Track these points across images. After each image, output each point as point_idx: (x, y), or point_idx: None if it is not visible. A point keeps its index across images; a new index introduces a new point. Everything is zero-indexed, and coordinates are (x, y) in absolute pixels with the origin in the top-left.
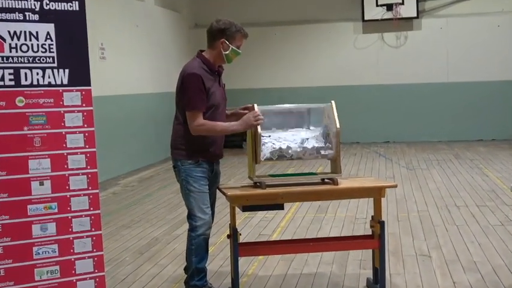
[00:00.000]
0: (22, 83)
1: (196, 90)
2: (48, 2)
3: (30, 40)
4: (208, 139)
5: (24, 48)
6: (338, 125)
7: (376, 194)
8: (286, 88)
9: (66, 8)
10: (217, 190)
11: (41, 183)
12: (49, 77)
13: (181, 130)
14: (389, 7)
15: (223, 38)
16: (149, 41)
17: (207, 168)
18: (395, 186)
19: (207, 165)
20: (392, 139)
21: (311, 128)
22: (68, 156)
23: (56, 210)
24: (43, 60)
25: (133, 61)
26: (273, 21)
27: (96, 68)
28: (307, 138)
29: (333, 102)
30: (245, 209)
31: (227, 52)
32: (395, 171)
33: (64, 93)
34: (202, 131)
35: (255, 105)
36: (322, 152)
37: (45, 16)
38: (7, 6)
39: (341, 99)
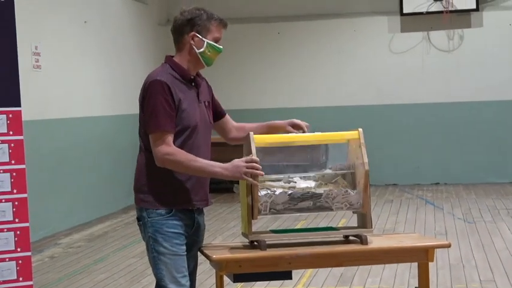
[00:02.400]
0: None
1: (160, 103)
2: None
3: None
4: (185, 175)
5: None
6: (366, 165)
7: (421, 257)
8: (293, 109)
9: None
10: (198, 252)
11: None
12: None
13: (144, 164)
14: None
15: (192, 31)
16: (103, 44)
17: (185, 221)
18: (449, 246)
19: (184, 215)
20: (444, 180)
21: (329, 168)
22: None
23: None
24: None
25: (81, 71)
26: (275, 16)
27: (29, 81)
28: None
29: (360, 130)
30: (237, 278)
31: (202, 49)
32: (449, 224)
33: None
34: (169, 162)
35: (252, 140)
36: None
37: None
38: None
39: (371, 124)
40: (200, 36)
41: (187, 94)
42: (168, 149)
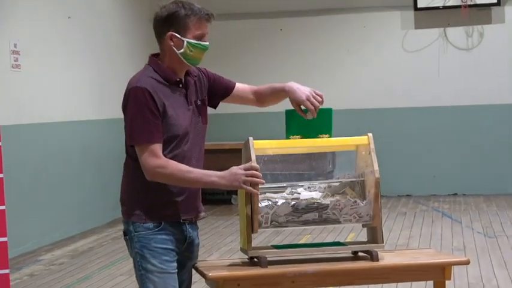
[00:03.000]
0: None
1: (142, 113)
2: None
3: None
4: (174, 186)
5: None
6: (377, 172)
7: (437, 275)
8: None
9: None
10: (193, 269)
11: None
12: None
13: (130, 174)
14: None
15: (170, 31)
16: (88, 41)
17: (175, 236)
18: (468, 262)
19: (174, 229)
20: (463, 190)
21: (335, 180)
22: None
23: None
24: None
25: (65, 71)
26: (277, 11)
27: (6, 82)
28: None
29: (369, 135)
30: None
31: (182, 50)
32: (467, 239)
33: None
34: (160, 176)
35: (251, 146)
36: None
37: None
38: None
39: (382, 129)
40: (179, 36)
41: (173, 99)
42: (158, 161)
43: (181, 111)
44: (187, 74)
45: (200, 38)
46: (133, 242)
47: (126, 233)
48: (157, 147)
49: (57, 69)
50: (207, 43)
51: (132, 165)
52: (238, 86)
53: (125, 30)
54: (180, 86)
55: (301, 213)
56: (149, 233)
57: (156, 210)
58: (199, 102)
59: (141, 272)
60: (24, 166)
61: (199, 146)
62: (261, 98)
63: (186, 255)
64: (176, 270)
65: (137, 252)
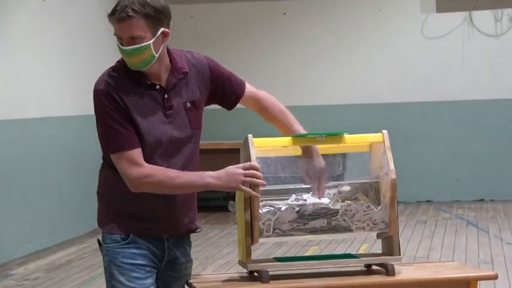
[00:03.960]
0: None
1: (105, 120)
2: None
3: None
4: (146, 193)
5: None
6: (393, 172)
7: None
8: (305, 108)
9: None
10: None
11: None
12: None
13: (104, 177)
14: None
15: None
16: (66, 27)
17: (150, 250)
18: (496, 277)
19: (148, 243)
20: (490, 196)
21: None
22: None
23: None
24: None
25: (40, 61)
26: None
27: None
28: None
29: (384, 132)
30: None
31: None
32: (495, 251)
33: None
34: (147, 186)
35: (251, 144)
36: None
37: None
38: None
39: (399, 126)
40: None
41: (141, 102)
42: (141, 170)
43: (153, 116)
44: (172, 72)
45: (119, 40)
46: (103, 254)
47: (99, 242)
48: (135, 154)
49: (31, 59)
50: (122, 47)
51: (106, 167)
52: (246, 94)
53: (104, 19)
54: (157, 87)
55: (308, 219)
56: (116, 246)
57: (125, 221)
58: (188, 104)
59: None
60: None
61: (184, 156)
62: (267, 118)
63: (169, 275)
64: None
65: (106, 267)
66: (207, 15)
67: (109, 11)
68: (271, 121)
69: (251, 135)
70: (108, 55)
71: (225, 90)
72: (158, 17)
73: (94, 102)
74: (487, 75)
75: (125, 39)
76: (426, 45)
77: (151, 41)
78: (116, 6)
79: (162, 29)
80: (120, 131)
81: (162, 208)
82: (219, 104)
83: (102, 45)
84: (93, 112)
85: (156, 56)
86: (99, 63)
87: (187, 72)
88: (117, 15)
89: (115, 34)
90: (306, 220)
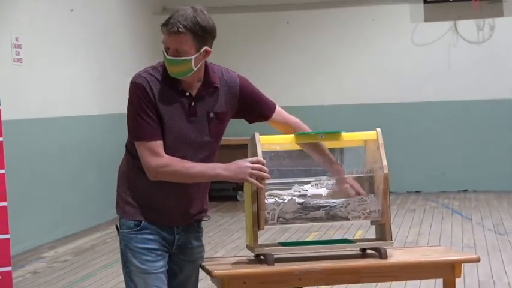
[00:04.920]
0: None
1: (137, 111)
2: None
3: None
4: (159, 184)
5: None
6: (386, 167)
7: (447, 273)
8: (303, 107)
9: None
10: (198, 273)
11: None
12: None
13: (124, 166)
14: None
15: None
16: (91, 34)
17: (161, 236)
18: (478, 260)
19: (160, 230)
20: (473, 187)
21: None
22: None
23: None
24: None
25: (67, 65)
26: (283, 4)
27: (8, 77)
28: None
29: (378, 130)
30: None
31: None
32: (478, 236)
33: None
34: (163, 174)
35: (257, 141)
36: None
37: None
38: None
39: (391, 124)
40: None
41: (170, 103)
42: (159, 160)
43: (177, 118)
44: (203, 84)
45: (166, 49)
46: (120, 239)
47: (117, 228)
48: (157, 145)
49: (59, 63)
50: (168, 57)
51: (127, 156)
52: (274, 118)
53: (128, 23)
54: (187, 94)
55: (309, 210)
56: (130, 231)
57: (138, 208)
58: (212, 115)
59: (125, 270)
60: (26, 162)
61: (199, 158)
62: (301, 146)
63: (181, 258)
64: (162, 270)
65: (122, 250)
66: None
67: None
68: (303, 147)
69: (257, 132)
70: (128, 60)
71: (252, 110)
72: (205, 36)
73: (129, 93)
74: (470, 78)
75: (171, 49)
76: (415, 51)
77: (193, 57)
78: (169, 18)
79: (205, 47)
80: (147, 122)
81: (172, 200)
82: (244, 119)
83: (123, 52)
84: (113, 111)
85: (195, 69)
86: (120, 68)
87: (217, 87)
88: (169, 28)
89: (163, 42)
90: (307, 211)
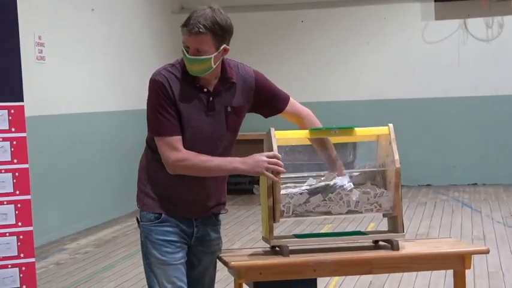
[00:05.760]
0: None
1: (156, 107)
2: None
3: None
4: (178, 178)
5: None
6: (398, 162)
7: (457, 264)
8: (317, 103)
9: None
10: (215, 264)
11: None
12: None
13: (145, 160)
14: None
15: None
16: (111, 33)
17: (180, 228)
18: (487, 252)
19: (179, 222)
20: (482, 180)
21: (356, 170)
22: None
23: None
24: None
25: (88, 63)
26: (298, 3)
27: (31, 74)
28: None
29: (390, 125)
30: (258, 287)
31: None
32: (487, 229)
33: None
34: (182, 168)
35: (273, 136)
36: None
37: None
38: None
39: (402, 120)
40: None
41: (189, 100)
42: (178, 155)
43: (195, 114)
44: (220, 80)
45: (185, 48)
46: (140, 231)
47: (138, 220)
48: (176, 140)
49: (80, 61)
50: (189, 56)
51: (147, 151)
52: (287, 109)
53: (147, 22)
54: (205, 90)
55: (311, 195)
56: (150, 224)
57: (158, 202)
58: (229, 109)
59: (145, 261)
60: (49, 156)
61: (217, 152)
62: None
63: (200, 250)
64: (181, 261)
65: (142, 242)
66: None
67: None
68: (311, 141)
69: (273, 128)
70: (146, 58)
71: (267, 103)
72: (223, 36)
73: (149, 90)
74: (479, 75)
75: (191, 49)
76: (426, 49)
77: (212, 55)
78: (188, 18)
79: (224, 46)
80: (166, 118)
81: (191, 193)
82: (260, 113)
83: (142, 50)
84: (132, 107)
85: (214, 67)
86: (139, 66)
87: (234, 82)
88: (189, 28)
89: (183, 42)
90: (326, 202)
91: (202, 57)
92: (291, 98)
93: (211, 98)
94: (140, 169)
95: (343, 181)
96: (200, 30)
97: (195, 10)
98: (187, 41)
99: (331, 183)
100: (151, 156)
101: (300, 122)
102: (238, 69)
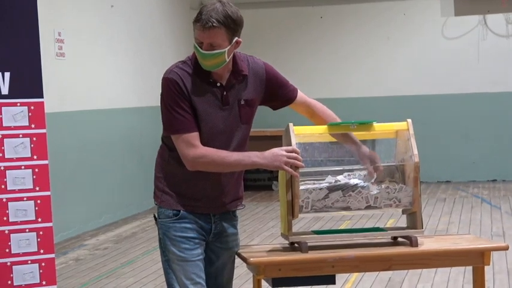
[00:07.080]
0: None
1: (171, 105)
2: None
3: None
4: (194, 174)
5: None
6: (417, 156)
7: (476, 260)
8: (337, 100)
9: None
10: (234, 260)
11: None
12: None
13: (161, 157)
14: None
15: None
16: (131, 29)
17: (198, 224)
18: (507, 248)
19: (197, 218)
20: (502, 177)
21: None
22: (9, 204)
23: None
24: None
25: (107, 59)
26: None
27: (51, 71)
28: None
29: (409, 120)
30: (276, 283)
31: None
32: (507, 225)
33: (3, 108)
34: (201, 165)
35: (291, 131)
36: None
37: None
38: None
39: (422, 115)
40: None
41: (203, 95)
42: (196, 151)
43: (210, 108)
44: (233, 73)
45: (199, 44)
46: (158, 227)
47: (155, 217)
48: (193, 137)
49: (100, 58)
50: (202, 51)
51: (163, 148)
52: (297, 101)
53: (166, 18)
54: (218, 85)
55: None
56: (168, 220)
57: (175, 199)
58: (242, 102)
59: (164, 258)
60: (68, 153)
61: (233, 145)
62: (318, 122)
63: (218, 246)
64: (199, 257)
65: (160, 239)
66: (250, 19)
67: (190, 16)
68: (335, 137)
69: (292, 123)
70: (166, 54)
71: (277, 94)
72: (236, 28)
73: (162, 89)
74: (499, 71)
75: (205, 44)
76: (446, 45)
77: (226, 49)
78: (200, 14)
79: (236, 38)
80: (182, 115)
81: (208, 189)
82: (269, 105)
83: (162, 46)
84: (152, 104)
85: (227, 60)
86: (158, 62)
87: (246, 75)
88: (202, 23)
89: (196, 38)
90: (344, 198)
91: (216, 51)
92: (299, 90)
93: (225, 92)
94: (156, 166)
95: (364, 182)
96: (214, 24)
97: (205, 5)
98: (200, 36)
99: (352, 183)
100: (168, 154)
101: (309, 112)
102: (249, 62)
